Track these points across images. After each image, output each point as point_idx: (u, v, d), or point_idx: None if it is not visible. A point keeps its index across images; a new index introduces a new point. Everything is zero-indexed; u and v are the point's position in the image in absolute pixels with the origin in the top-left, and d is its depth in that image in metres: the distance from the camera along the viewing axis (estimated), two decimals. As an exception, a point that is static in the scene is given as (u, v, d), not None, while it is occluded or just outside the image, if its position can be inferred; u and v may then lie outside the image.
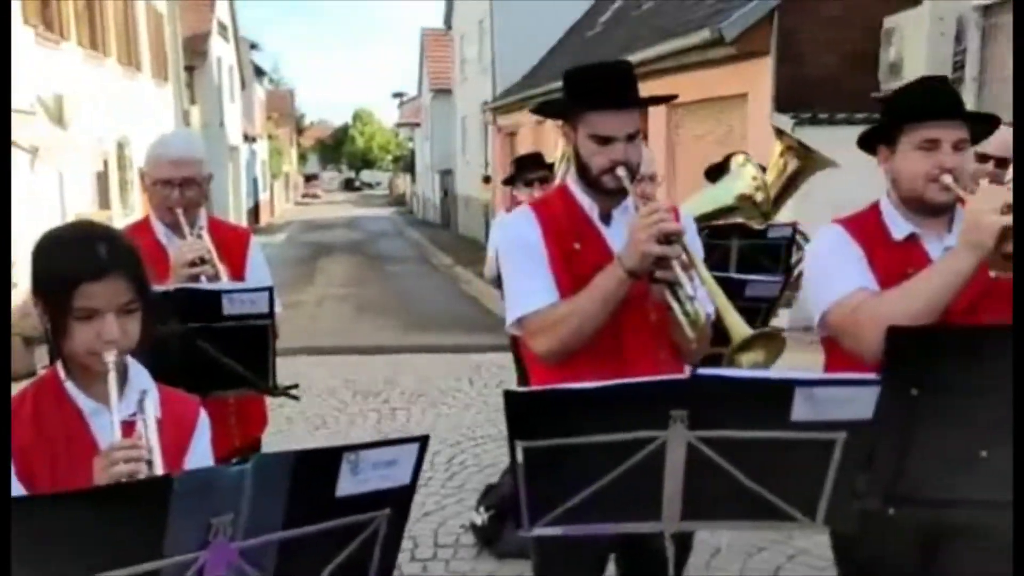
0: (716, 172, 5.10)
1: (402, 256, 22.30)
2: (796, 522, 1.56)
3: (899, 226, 2.20)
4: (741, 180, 4.11)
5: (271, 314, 2.51)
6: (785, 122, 9.32)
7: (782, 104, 9.60)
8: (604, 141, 2.19)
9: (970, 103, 9.34)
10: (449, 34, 29.78)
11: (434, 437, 6.40)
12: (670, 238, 2.07)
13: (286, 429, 6.32)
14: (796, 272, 4.77)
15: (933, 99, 2.14)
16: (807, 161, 4.36)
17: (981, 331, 1.32)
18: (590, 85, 2.23)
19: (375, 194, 70.94)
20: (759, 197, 3.99)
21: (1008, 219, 1.90)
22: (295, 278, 16.35)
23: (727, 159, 5.20)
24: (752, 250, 4.05)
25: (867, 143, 2.29)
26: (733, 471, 1.48)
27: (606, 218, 2.32)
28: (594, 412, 1.41)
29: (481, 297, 13.81)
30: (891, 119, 2.20)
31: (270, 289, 2.53)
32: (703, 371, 1.35)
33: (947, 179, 2.08)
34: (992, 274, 2.07)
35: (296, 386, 2.73)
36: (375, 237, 28.76)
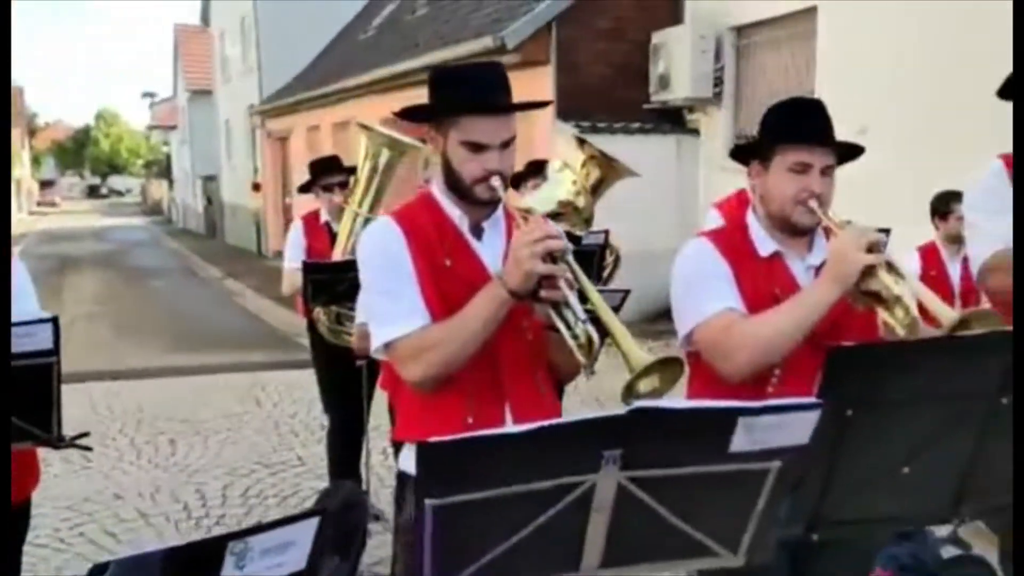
0: (518, 180, 5.05)
1: (163, 269, 20.61)
2: (718, 558, 1.44)
3: (765, 243, 2.22)
4: (562, 186, 4.05)
5: (56, 350, 2.06)
6: (568, 130, 9.54)
7: (563, 112, 9.84)
8: (478, 148, 2.00)
9: (728, 117, 10.10)
10: (207, 31, 28.07)
11: (222, 467, 5.89)
12: (555, 256, 1.90)
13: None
14: (605, 278, 4.85)
15: (810, 124, 2.16)
16: (609, 171, 4.39)
17: (917, 345, 1.25)
18: (464, 87, 2.03)
19: (126, 202, 65.46)
20: (581, 202, 3.95)
21: (872, 258, 1.98)
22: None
23: (531, 166, 5.17)
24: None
25: (741, 156, 2.29)
26: (661, 510, 1.33)
27: (477, 231, 2.12)
28: (520, 458, 1.20)
29: (260, 311, 13.03)
30: (767, 138, 2.20)
31: (54, 319, 2.08)
32: (642, 404, 1.19)
33: (813, 203, 2.12)
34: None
35: (87, 434, 2.28)
36: (129, 248, 26.45)
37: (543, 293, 1.90)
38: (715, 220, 3.92)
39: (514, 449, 1.19)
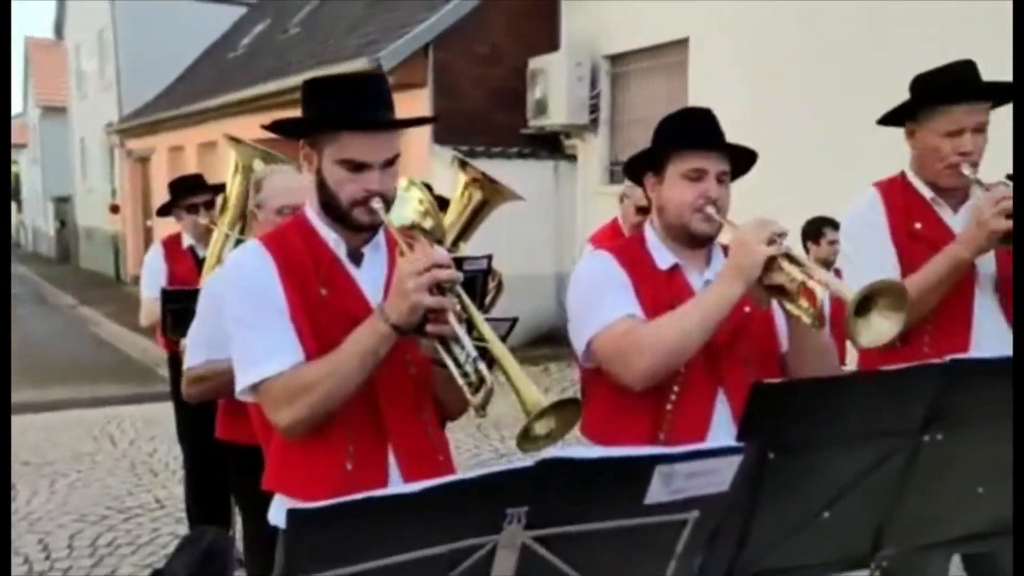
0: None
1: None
2: (628, 618, 1.30)
3: (663, 256, 2.16)
4: (408, 206, 3.86)
5: None
6: (445, 154, 9.42)
7: (440, 136, 9.71)
8: (357, 167, 1.81)
9: (604, 144, 10.22)
10: (61, 44, 26.48)
11: (70, 514, 5.35)
12: (443, 286, 1.73)
13: None
14: (487, 304, 4.71)
15: (701, 130, 2.11)
16: (492, 194, 4.28)
17: (841, 381, 1.16)
18: (342, 99, 1.83)
19: (-32, 224, 60.92)
20: (428, 224, 3.76)
21: (773, 250, 1.91)
22: None
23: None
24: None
25: (634, 170, 2.22)
26: (570, 572, 1.18)
27: (356, 257, 1.92)
28: (410, 522, 1.02)
29: (116, 340, 12.21)
30: (659, 147, 2.14)
31: None
32: (551, 456, 1.04)
33: (711, 210, 2.07)
34: (747, 309, 2.06)
35: None
36: (-30, 274, 24.49)
37: (430, 328, 1.74)
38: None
39: (403, 512, 1.01)
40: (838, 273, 5.50)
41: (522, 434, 1.70)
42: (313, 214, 1.92)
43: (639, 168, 2.20)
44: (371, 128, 1.82)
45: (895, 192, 2.56)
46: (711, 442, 2.05)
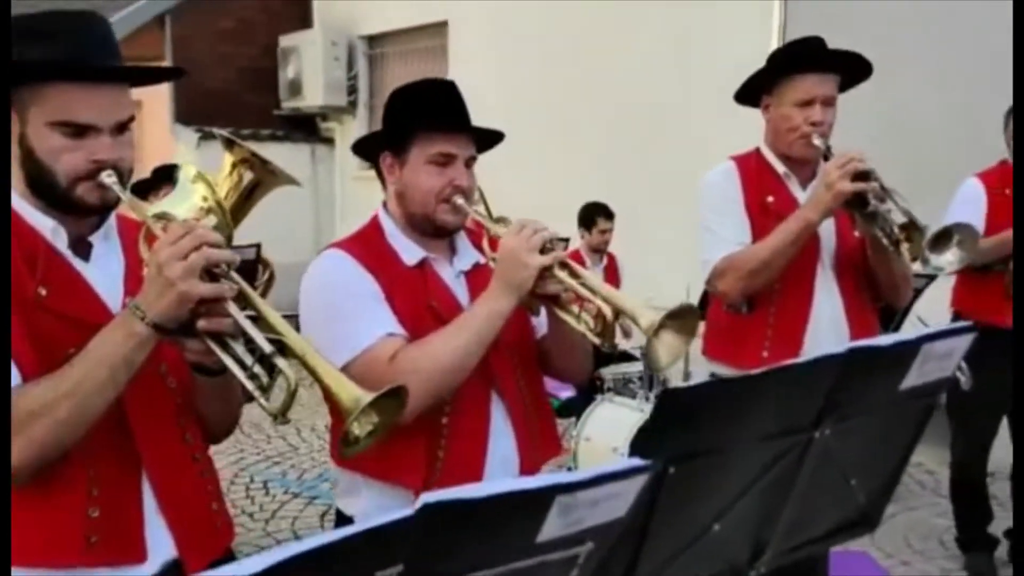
0: (145, 189, 4.26)
1: None
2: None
3: (409, 250, 1.92)
4: (188, 201, 3.39)
5: None
6: (189, 136, 8.67)
7: (183, 116, 8.90)
8: (79, 131, 1.44)
9: (363, 127, 9.86)
10: None
11: None
12: (216, 271, 1.40)
13: None
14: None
15: (450, 109, 1.88)
16: (266, 175, 3.86)
17: (754, 378, 1.02)
18: (54, 41, 1.45)
19: None
20: (211, 223, 3.32)
21: (547, 260, 1.75)
22: None
23: (160, 172, 4.39)
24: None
25: (367, 150, 1.99)
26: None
27: (82, 248, 1.53)
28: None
29: None
30: (401, 124, 1.90)
31: None
32: (434, 499, 0.80)
33: (460, 200, 1.87)
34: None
35: None
36: None
37: (203, 323, 1.40)
38: None
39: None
40: (611, 260, 5.69)
41: (343, 441, 1.44)
42: (16, 196, 1.49)
43: (373, 147, 1.96)
44: (93, 78, 1.44)
45: (750, 166, 2.57)
46: (492, 447, 1.89)
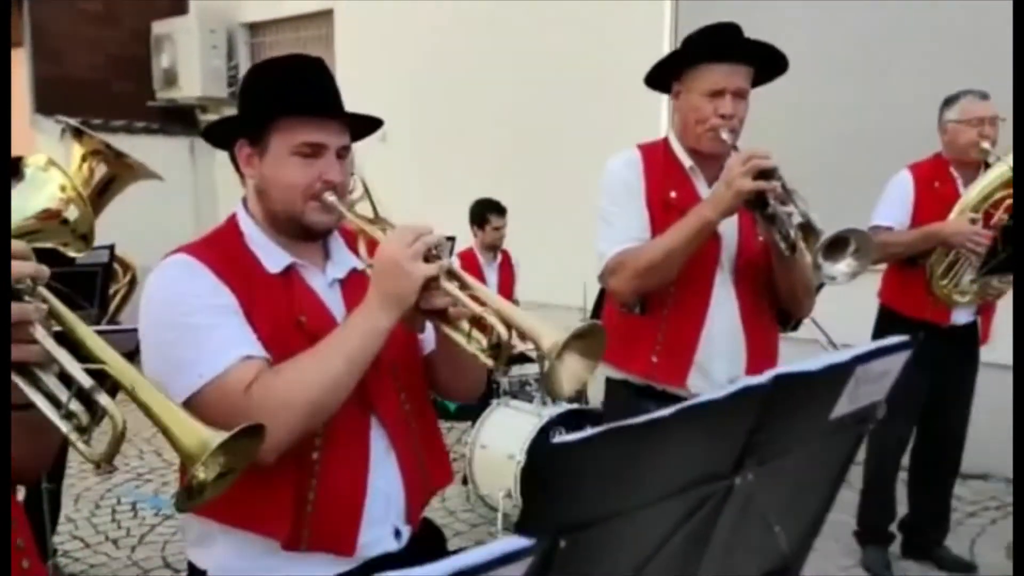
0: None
1: None
2: None
3: (272, 255, 1.68)
4: (43, 191, 3.02)
5: None
6: (51, 127, 8.02)
7: (44, 106, 8.23)
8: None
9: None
10: None
11: None
12: (19, 286, 1.18)
13: None
14: (113, 308, 3.88)
15: (320, 91, 1.65)
16: (120, 168, 3.49)
17: (656, 423, 0.81)
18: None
19: None
20: (73, 213, 2.96)
21: (432, 269, 1.52)
22: None
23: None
24: (62, 282, 3.03)
25: (220, 138, 1.74)
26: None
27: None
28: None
29: None
30: (259, 107, 1.66)
31: None
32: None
33: (331, 197, 1.64)
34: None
35: None
36: None
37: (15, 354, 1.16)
38: None
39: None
40: (505, 257, 5.49)
41: (183, 495, 1.19)
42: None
43: (228, 133, 1.71)
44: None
45: (656, 157, 2.41)
46: (372, 483, 1.66)
